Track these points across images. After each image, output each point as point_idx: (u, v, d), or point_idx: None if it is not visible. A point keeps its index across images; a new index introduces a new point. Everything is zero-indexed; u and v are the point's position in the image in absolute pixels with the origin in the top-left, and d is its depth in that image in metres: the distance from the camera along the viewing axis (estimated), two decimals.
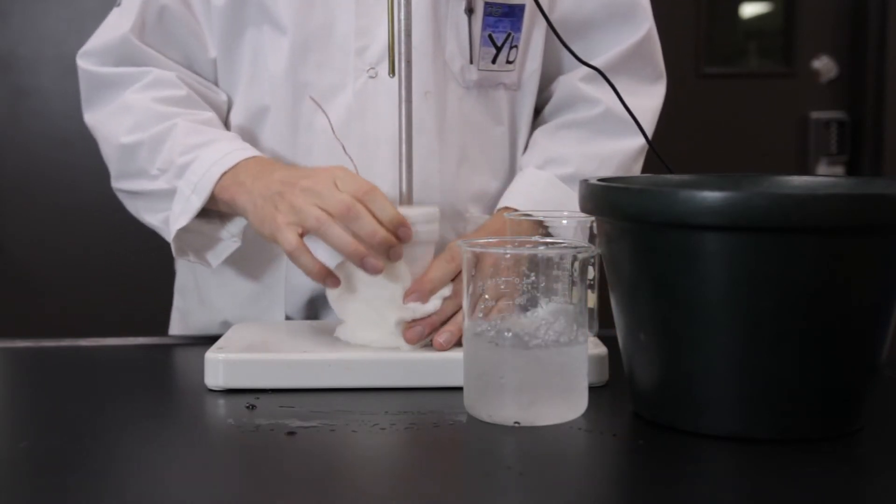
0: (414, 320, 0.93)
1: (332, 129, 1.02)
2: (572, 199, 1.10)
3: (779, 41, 3.01)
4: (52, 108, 2.50)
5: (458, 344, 0.93)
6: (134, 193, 1.11)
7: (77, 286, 2.56)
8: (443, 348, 0.92)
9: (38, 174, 2.53)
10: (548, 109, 1.21)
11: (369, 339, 0.94)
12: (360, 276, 0.94)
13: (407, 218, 0.93)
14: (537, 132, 1.19)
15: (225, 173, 1.02)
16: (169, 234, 1.07)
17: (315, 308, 1.14)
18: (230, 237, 1.09)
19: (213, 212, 1.07)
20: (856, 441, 0.76)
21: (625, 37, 1.17)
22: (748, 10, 3.05)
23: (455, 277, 0.95)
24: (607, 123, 1.16)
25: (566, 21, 1.14)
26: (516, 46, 1.13)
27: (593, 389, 0.84)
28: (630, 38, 1.17)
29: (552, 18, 1.13)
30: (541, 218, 0.98)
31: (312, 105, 1.08)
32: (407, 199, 1.00)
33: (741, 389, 0.74)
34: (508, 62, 1.14)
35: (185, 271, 1.24)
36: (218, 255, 1.09)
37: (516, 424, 0.78)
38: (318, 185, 0.93)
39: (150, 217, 1.10)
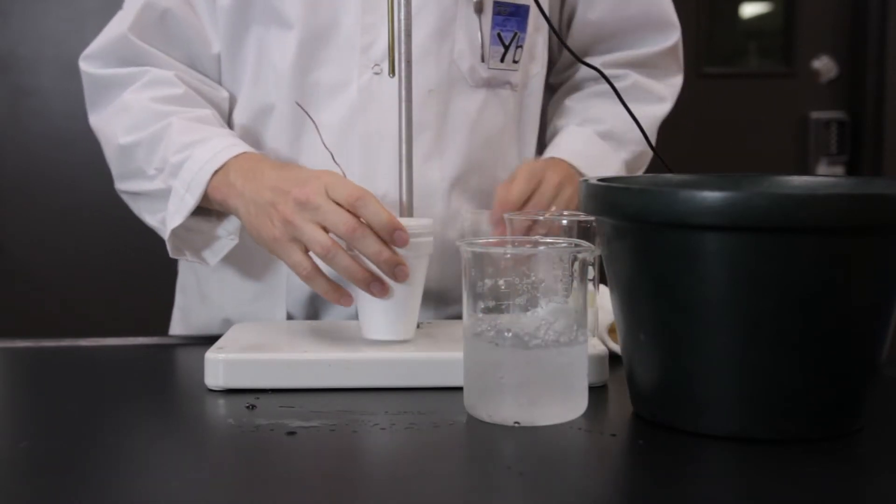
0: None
1: (322, 138, 1.01)
2: (608, 154, 1.20)
3: (779, 41, 3.01)
4: (52, 108, 2.50)
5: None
6: (135, 194, 1.12)
7: (77, 286, 2.56)
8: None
9: (38, 174, 2.53)
10: (572, 83, 1.27)
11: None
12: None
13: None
14: (569, 99, 1.26)
15: (216, 171, 1.02)
16: (165, 233, 1.07)
17: (315, 306, 1.14)
18: (227, 235, 1.09)
19: (211, 210, 1.07)
20: (856, 441, 0.76)
21: (653, 44, 1.25)
22: (748, 10, 3.05)
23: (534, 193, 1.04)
24: (634, 93, 1.22)
25: (598, 29, 1.22)
26: (521, 46, 1.14)
27: (593, 389, 0.84)
28: (658, 45, 1.25)
29: (576, 19, 1.21)
30: (539, 218, 0.98)
31: (316, 102, 1.08)
32: (406, 198, 1.00)
33: (741, 389, 0.74)
34: (514, 62, 1.14)
35: (187, 270, 1.24)
36: (216, 252, 1.10)
37: (516, 424, 0.78)
38: (311, 196, 0.92)
39: (150, 218, 1.11)
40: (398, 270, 0.91)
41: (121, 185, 1.13)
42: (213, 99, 1.14)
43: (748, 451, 0.73)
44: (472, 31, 1.11)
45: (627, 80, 1.24)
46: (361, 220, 0.91)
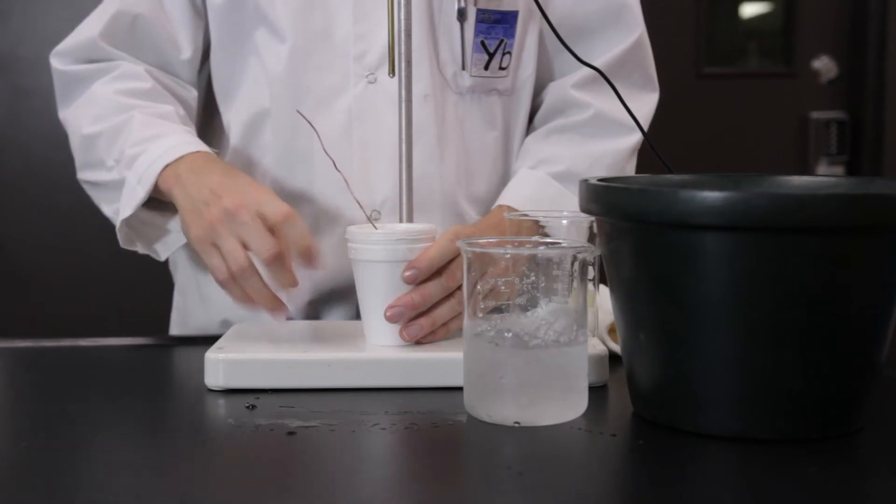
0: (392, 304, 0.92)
1: (323, 145, 1.01)
2: (565, 195, 1.12)
3: (779, 41, 3.02)
4: (52, 108, 2.47)
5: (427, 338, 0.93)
6: (94, 184, 1.12)
7: (77, 286, 2.56)
8: (406, 341, 0.92)
9: (38, 174, 2.53)
10: (539, 116, 1.21)
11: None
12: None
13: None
14: (528, 138, 1.19)
15: (168, 165, 1.02)
16: (116, 223, 1.08)
17: (316, 309, 1.14)
18: (178, 229, 1.08)
19: (166, 204, 1.07)
20: (856, 441, 0.76)
21: (615, 42, 1.17)
22: (748, 10, 3.05)
23: (453, 261, 0.93)
24: (597, 126, 1.17)
25: (558, 28, 1.14)
26: (509, 52, 1.13)
27: (593, 389, 0.84)
28: (621, 44, 1.17)
29: (541, 27, 1.14)
30: (540, 218, 0.98)
31: (312, 108, 1.08)
32: (407, 198, 1.00)
33: (741, 389, 0.74)
34: (501, 68, 1.14)
35: (186, 271, 1.24)
36: (168, 246, 1.11)
37: (516, 424, 0.78)
38: (240, 211, 0.93)
39: (106, 207, 1.12)
40: (276, 313, 0.95)
41: (82, 175, 1.14)
42: (182, 97, 1.15)
43: (748, 451, 0.73)
44: (453, 40, 1.11)
45: (588, 111, 1.16)
46: (282, 240, 0.92)
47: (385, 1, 1.01)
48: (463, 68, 1.12)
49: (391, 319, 0.91)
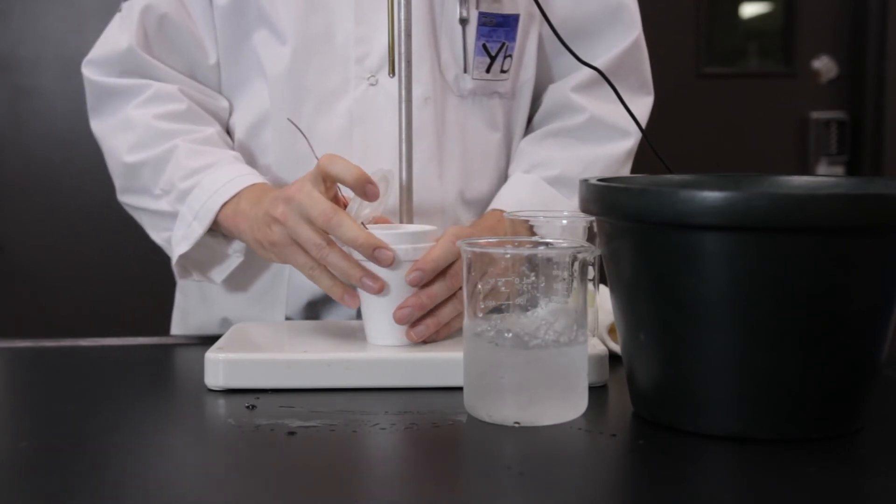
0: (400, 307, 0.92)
1: (314, 152, 1.00)
2: (558, 200, 1.12)
3: (779, 41, 3.02)
4: (52, 108, 2.50)
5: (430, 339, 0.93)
6: (139, 209, 1.13)
7: (77, 286, 2.56)
8: (413, 341, 0.92)
9: (38, 174, 2.53)
10: (537, 117, 1.21)
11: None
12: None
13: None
14: (524, 141, 1.19)
15: (227, 203, 1.03)
16: (172, 256, 1.08)
17: (316, 309, 1.14)
18: (234, 252, 1.10)
19: (217, 230, 1.08)
20: (856, 441, 0.76)
21: (614, 44, 1.16)
22: (748, 10, 3.05)
23: (456, 262, 0.93)
24: (592, 130, 1.17)
25: (558, 30, 1.13)
26: (510, 56, 1.13)
27: (593, 389, 0.84)
28: (619, 45, 1.16)
29: (541, 30, 1.14)
30: (539, 218, 0.98)
31: (313, 110, 1.08)
32: (407, 199, 1.00)
33: (741, 389, 0.74)
34: (503, 71, 1.13)
35: None
36: (223, 270, 1.11)
37: (516, 424, 0.78)
38: (293, 193, 0.93)
39: (155, 234, 1.13)
40: (380, 254, 0.90)
41: (124, 198, 1.14)
42: (214, 110, 1.14)
43: (748, 451, 0.73)
44: (455, 43, 1.11)
45: (583, 115, 1.16)
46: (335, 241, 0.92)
47: (385, 2, 1.01)
48: (465, 71, 1.12)
49: (400, 321, 0.91)
